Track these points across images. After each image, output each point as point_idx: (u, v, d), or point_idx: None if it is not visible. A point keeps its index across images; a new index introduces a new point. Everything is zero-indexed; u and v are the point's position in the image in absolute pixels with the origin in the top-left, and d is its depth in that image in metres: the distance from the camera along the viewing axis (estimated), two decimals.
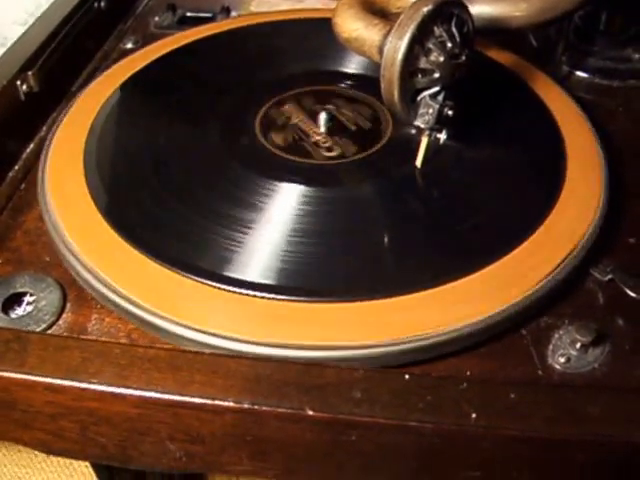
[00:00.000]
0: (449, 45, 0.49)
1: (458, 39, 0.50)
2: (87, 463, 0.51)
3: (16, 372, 0.38)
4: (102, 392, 0.37)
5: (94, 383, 0.37)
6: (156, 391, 0.36)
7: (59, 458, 0.51)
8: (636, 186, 0.55)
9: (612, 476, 0.36)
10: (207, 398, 0.35)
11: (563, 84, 0.62)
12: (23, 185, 0.57)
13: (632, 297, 0.47)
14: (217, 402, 0.35)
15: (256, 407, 0.35)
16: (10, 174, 0.57)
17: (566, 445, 0.35)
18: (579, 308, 0.46)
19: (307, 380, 0.36)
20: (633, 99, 0.64)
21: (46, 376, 0.37)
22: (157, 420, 0.37)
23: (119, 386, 0.36)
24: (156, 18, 0.75)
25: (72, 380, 0.37)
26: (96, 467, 0.48)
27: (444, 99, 0.51)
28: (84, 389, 0.37)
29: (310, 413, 0.35)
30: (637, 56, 0.66)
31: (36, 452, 0.51)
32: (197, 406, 0.36)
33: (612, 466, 0.36)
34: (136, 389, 0.36)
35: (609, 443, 0.35)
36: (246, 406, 0.35)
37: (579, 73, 0.66)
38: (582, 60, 0.66)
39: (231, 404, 0.35)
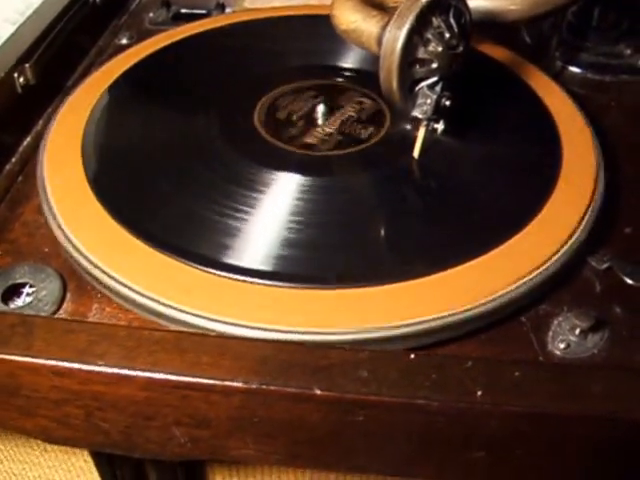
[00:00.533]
0: (447, 36, 0.50)
1: (456, 30, 0.51)
2: (86, 457, 0.50)
3: (22, 355, 0.38)
4: (109, 374, 0.37)
5: (101, 365, 0.37)
6: (164, 372, 0.36)
7: (57, 453, 0.51)
8: (630, 178, 0.56)
9: (614, 452, 0.36)
10: (216, 379, 0.36)
11: (557, 79, 0.63)
12: (20, 178, 0.57)
13: (629, 285, 0.48)
14: (226, 383, 0.35)
15: (264, 387, 0.35)
16: (7, 167, 0.57)
17: (569, 421, 0.35)
18: (577, 296, 0.47)
19: (314, 361, 0.36)
20: (626, 94, 0.65)
21: (52, 359, 0.37)
22: (164, 403, 0.37)
23: (126, 368, 0.36)
24: (150, 14, 0.75)
25: (79, 363, 0.37)
26: (97, 459, 0.48)
27: (442, 90, 0.51)
28: (91, 372, 0.37)
29: (318, 393, 0.35)
30: (629, 52, 0.66)
31: (34, 447, 0.51)
32: (206, 387, 0.36)
33: (614, 442, 0.36)
34: (144, 370, 0.36)
35: (612, 420, 0.35)
36: (254, 386, 0.35)
37: (572, 68, 0.67)
38: (575, 56, 0.67)
39: (240, 384, 0.35)
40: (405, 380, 0.35)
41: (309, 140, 0.55)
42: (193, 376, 0.36)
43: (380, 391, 0.35)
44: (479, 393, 0.35)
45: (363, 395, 0.35)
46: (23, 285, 0.48)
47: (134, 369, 0.36)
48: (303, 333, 0.41)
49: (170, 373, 0.36)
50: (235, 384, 0.35)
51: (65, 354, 0.37)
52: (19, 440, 0.50)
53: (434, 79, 0.51)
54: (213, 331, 0.41)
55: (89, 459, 0.50)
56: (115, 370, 0.37)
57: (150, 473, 0.48)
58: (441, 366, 0.36)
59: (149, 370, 0.36)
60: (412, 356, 0.36)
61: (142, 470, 0.48)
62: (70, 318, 0.45)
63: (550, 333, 0.45)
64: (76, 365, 0.37)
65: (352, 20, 0.53)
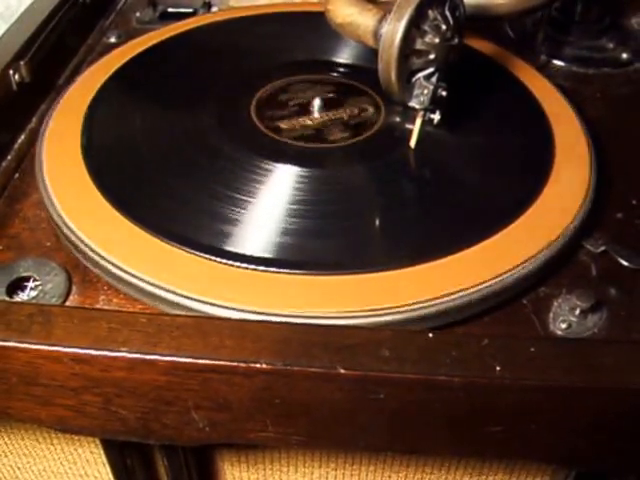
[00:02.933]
0: (443, 27, 0.51)
1: (452, 22, 0.52)
2: (92, 449, 0.51)
3: (42, 344, 0.38)
4: (132, 359, 0.37)
5: (124, 351, 0.37)
6: (187, 356, 0.37)
7: (63, 445, 0.51)
8: (617, 166, 0.58)
9: (627, 423, 0.38)
10: (239, 361, 0.36)
11: (542, 72, 0.65)
12: (17, 175, 0.57)
13: (624, 267, 0.49)
14: (250, 364, 0.36)
15: (288, 367, 0.36)
16: (3, 164, 0.57)
17: (583, 394, 0.36)
18: (575, 279, 0.49)
19: (336, 341, 0.37)
20: (609, 86, 0.67)
21: (74, 347, 0.37)
22: (185, 387, 0.38)
23: (149, 353, 0.37)
24: (137, 14, 0.76)
25: (101, 350, 0.37)
26: (108, 448, 0.48)
27: (437, 81, 0.53)
28: (114, 358, 0.37)
29: (342, 372, 0.36)
30: (612, 45, 0.69)
31: (39, 440, 0.51)
32: (229, 369, 0.36)
33: (627, 413, 0.37)
34: (167, 355, 0.37)
35: (624, 391, 0.36)
36: (279, 367, 0.36)
37: (556, 62, 0.69)
38: (559, 49, 0.69)
39: (264, 366, 0.36)
40: (426, 358, 0.36)
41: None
42: (216, 359, 0.36)
43: (402, 369, 0.36)
44: (498, 368, 0.36)
45: (386, 373, 0.36)
46: (27, 279, 0.48)
47: (157, 354, 0.37)
48: (319, 318, 0.42)
49: (193, 357, 0.37)
50: (259, 365, 0.36)
51: (86, 342, 0.38)
52: (25, 433, 0.50)
53: (430, 70, 0.52)
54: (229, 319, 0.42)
55: (96, 450, 0.50)
56: (138, 355, 0.37)
57: (160, 461, 0.48)
58: (460, 344, 0.37)
59: (172, 354, 0.37)
60: (430, 335, 0.37)
61: (151, 458, 0.49)
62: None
63: (551, 314, 0.46)
64: (98, 352, 0.37)
65: (348, 14, 0.54)
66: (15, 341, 0.38)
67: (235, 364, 0.36)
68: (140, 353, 0.37)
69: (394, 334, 0.37)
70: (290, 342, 0.37)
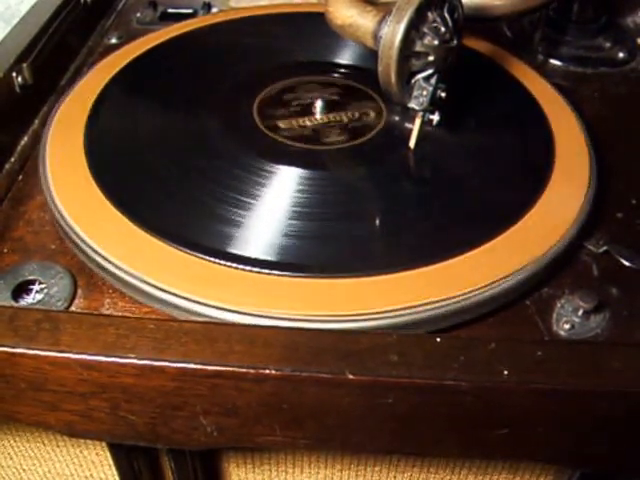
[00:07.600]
0: (442, 29, 0.52)
1: (450, 24, 0.52)
2: (98, 451, 0.51)
3: (51, 350, 0.38)
4: (140, 366, 0.37)
5: (132, 357, 0.37)
6: (196, 362, 0.37)
7: (69, 447, 0.51)
8: (616, 165, 0.58)
9: (633, 425, 0.38)
10: (248, 367, 0.36)
11: (540, 71, 0.65)
12: (20, 177, 0.57)
13: (625, 267, 0.50)
14: (259, 370, 0.36)
15: (297, 373, 0.36)
16: (7, 166, 0.57)
17: (590, 397, 0.37)
18: (577, 279, 0.49)
19: (343, 346, 0.37)
20: (607, 85, 0.67)
21: (82, 353, 0.38)
22: (194, 393, 0.38)
23: (158, 359, 0.37)
24: (138, 14, 0.76)
25: (109, 356, 0.37)
26: (115, 452, 0.48)
27: (437, 82, 0.53)
28: (122, 364, 0.37)
29: (350, 377, 0.36)
30: (608, 44, 0.69)
31: (45, 442, 0.51)
32: (238, 375, 0.36)
33: (634, 416, 0.37)
34: (175, 361, 0.37)
35: (632, 394, 0.37)
36: (287, 372, 0.36)
37: (554, 61, 0.69)
38: (556, 49, 0.69)
39: (272, 372, 0.36)
40: (434, 362, 0.36)
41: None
42: (225, 365, 0.37)
43: (410, 374, 0.36)
44: (505, 373, 0.36)
45: (394, 378, 0.36)
46: (32, 282, 0.48)
47: (165, 360, 0.37)
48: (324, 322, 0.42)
49: (202, 363, 0.37)
50: (267, 371, 0.36)
51: (94, 348, 0.38)
52: (30, 436, 0.50)
53: (430, 72, 0.53)
54: (237, 323, 0.42)
55: (102, 453, 0.51)
56: (146, 362, 0.37)
57: (166, 463, 0.49)
58: (467, 348, 0.37)
59: (180, 361, 0.37)
60: (438, 339, 0.38)
61: (158, 461, 0.49)
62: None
63: (554, 315, 0.46)
64: (106, 358, 0.37)
65: (348, 15, 0.54)
66: (23, 347, 0.38)
67: (244, 370, 0.36)
68: (148, 359, 0.37)
69: (401, 339, 0.37)
70: (298, 348, 0.37)
